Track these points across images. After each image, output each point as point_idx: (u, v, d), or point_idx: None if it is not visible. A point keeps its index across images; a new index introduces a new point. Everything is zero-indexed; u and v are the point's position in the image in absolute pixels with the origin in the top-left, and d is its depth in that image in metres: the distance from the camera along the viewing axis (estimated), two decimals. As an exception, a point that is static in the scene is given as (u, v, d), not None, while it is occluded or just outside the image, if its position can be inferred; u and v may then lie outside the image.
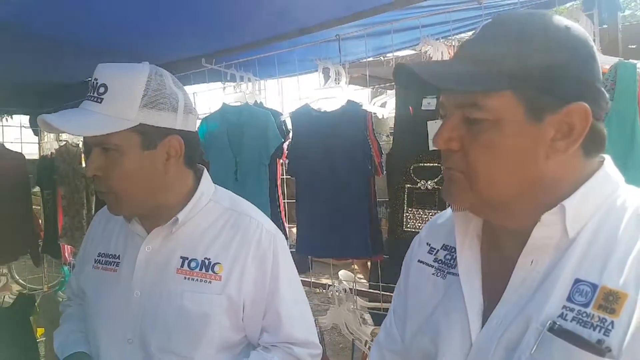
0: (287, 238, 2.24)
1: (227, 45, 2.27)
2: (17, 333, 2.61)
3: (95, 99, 0.96)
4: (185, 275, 1.03)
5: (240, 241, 1.06)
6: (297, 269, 1.16)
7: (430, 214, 1.73)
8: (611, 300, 0.56)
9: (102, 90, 0.96)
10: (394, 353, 0.91)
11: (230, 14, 1.84)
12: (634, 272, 0.57)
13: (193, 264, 1.04)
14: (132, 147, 0.97)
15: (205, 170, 1.13)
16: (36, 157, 3.32)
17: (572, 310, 0.58)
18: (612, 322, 0.55)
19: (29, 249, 3.08)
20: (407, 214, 1.75)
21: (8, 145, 2.92)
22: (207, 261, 1.04)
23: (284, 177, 2.32)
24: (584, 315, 0.57)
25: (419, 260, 0.85)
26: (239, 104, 2.31)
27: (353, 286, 2.04)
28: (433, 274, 0.81)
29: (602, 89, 0.65)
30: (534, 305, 0.62)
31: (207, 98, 2.66)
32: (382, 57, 2.42)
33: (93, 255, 1.13)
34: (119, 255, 1.10)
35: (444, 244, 0.82)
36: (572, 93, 0.62)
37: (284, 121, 2.20)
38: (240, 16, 1.88)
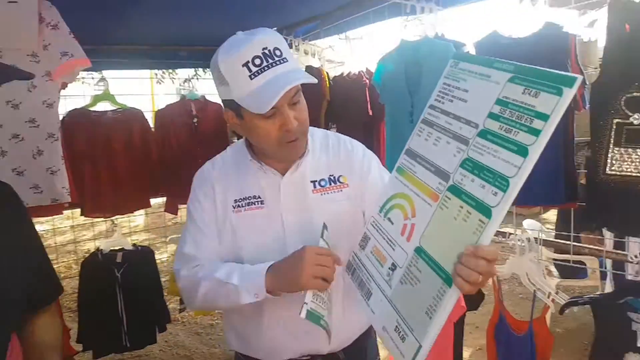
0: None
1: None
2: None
3: (281, 61, 1.08)
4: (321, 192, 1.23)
5: (345, 154, 1.28)
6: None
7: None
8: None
9: (278, 53, 1.08)
10: None
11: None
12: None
13: (323, 183, 1.24)
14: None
15: None
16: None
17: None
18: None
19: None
20: (613, 154, 1.46)
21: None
22: (332, 177, 1.25)
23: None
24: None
25: None
26: (418, 38, 2.20)
27: (538, 236, 1.84)
28: None
29: None
30: None
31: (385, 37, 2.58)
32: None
33: (227, 205, 1.21)
34: (259, 195, 1.21)
35: None
36: None
37: (468, 52, 2.02)
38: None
